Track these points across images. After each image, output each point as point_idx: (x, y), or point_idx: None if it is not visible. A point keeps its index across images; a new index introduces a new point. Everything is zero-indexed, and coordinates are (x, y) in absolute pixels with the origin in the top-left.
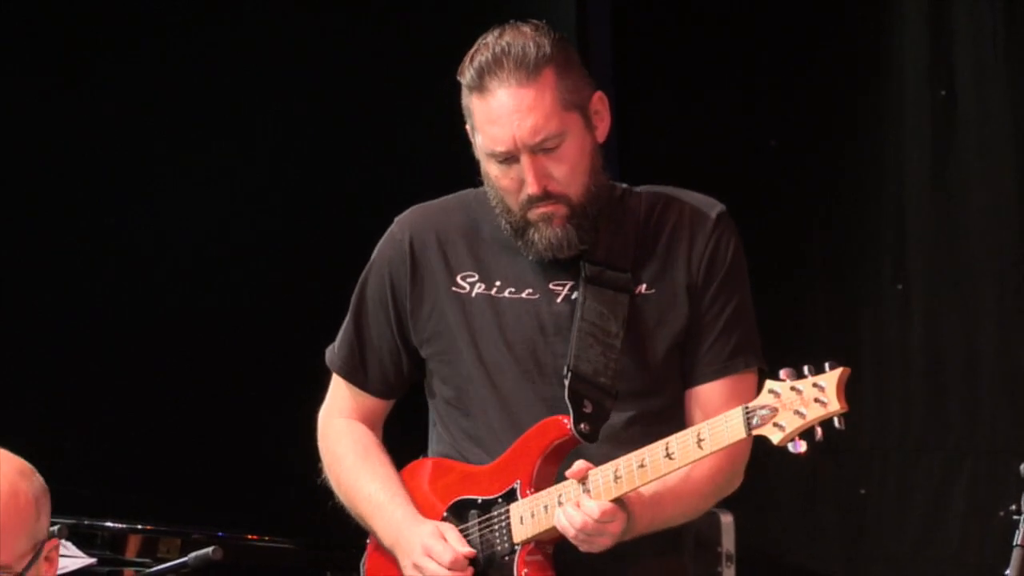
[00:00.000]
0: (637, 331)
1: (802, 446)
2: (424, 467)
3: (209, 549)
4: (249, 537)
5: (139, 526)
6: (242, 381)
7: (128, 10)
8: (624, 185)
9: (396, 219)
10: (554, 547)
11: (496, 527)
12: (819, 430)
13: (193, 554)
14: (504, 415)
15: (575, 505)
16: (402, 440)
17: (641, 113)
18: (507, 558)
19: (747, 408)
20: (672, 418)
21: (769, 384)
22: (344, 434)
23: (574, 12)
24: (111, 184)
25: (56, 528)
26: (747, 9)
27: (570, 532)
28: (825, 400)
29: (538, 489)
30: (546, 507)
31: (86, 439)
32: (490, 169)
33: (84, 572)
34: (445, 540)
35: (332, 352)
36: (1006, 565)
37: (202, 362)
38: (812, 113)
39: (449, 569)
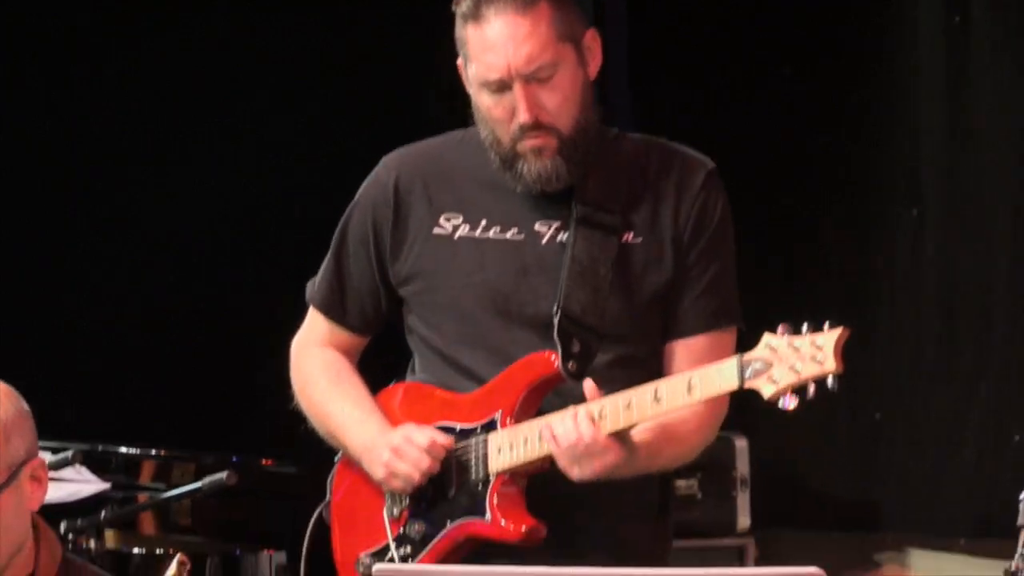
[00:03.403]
0: (622, 278)
1: (792, 402)
2: (398, 391)
3: (223, 474)
4: (263, 462)
5: (153, 451)
6: (258, 307)
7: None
8: (616, 130)
9: (383, 159)
10: (527, 481)
11: (472, 455)
12: (812, 387)
13: (207, 479)
14: (482, 353)
15: (573, 417)
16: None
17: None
18: (480, 487)
19: (741, 358)
20: (651, 366)
21: (767, 338)
22: (317, 358)
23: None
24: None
25: (71, 453)
26: None
27: (560, 444)
28: (822, 359)
29: (518, 421)
30: (526, 439)
31: (101, 365)
32: (481, 100)
33: (98, 496)
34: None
35: (312, 286)
36: (1021, 489)
37: (218, 286)
38: (826, 41)
39: (427, 451)
